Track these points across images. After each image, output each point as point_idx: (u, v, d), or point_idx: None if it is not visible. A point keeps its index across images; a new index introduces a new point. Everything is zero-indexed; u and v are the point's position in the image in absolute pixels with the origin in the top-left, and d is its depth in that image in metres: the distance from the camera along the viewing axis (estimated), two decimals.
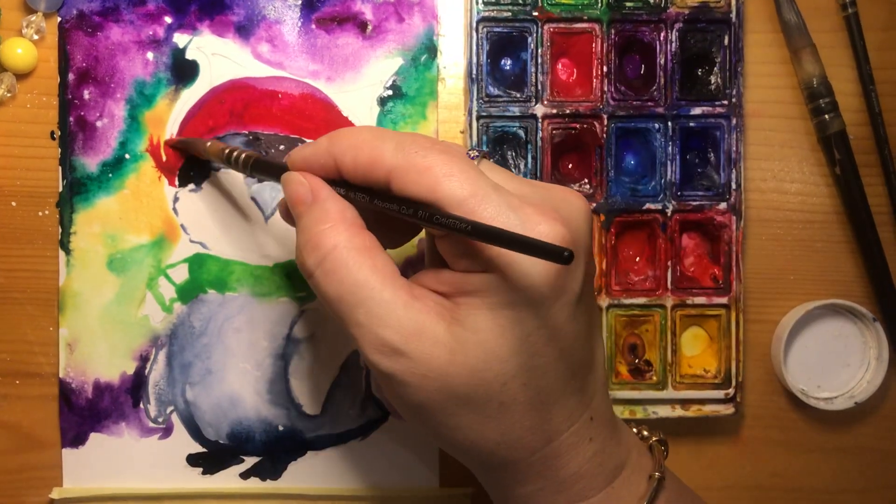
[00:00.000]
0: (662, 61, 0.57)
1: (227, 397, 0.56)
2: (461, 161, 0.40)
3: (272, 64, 0.56)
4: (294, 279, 0.56)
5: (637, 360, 0.58)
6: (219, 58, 0.56)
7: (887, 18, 0.59)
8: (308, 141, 0.55)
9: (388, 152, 0.40)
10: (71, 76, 0.55)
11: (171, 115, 0.55)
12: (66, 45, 0.55)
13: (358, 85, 0.56)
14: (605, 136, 0.56)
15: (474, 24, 0.56)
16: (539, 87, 0.56)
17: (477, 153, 0.42)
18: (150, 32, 0.55)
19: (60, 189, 0.55)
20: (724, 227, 0.57)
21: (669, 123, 0.57)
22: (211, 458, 0.56)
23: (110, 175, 0.55)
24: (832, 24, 0.59)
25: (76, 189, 0.55)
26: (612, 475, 0.44)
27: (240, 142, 0.56)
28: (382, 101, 0.56)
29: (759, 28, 0.58)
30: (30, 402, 0.56)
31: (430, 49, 0.57)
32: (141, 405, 0.56)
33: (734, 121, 0.57)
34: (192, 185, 0.56)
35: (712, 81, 0.58)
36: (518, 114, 0.56)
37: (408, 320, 0.40)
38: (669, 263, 0.57)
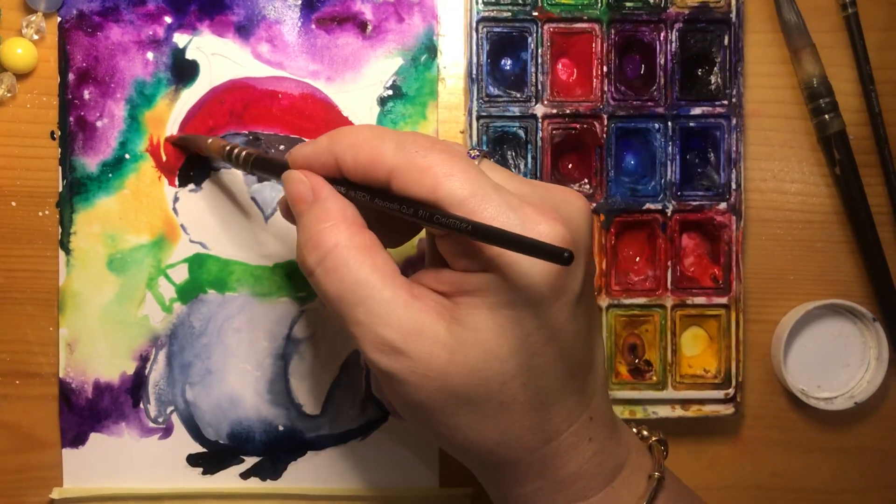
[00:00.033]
0: (662, 61, 0.57)
1: (227, 397, 0.56)
2: (462, 161, 0.40)
3: (272, 64, 0.56)
4: (294, 279, 0.56)
5: (637, 360, 0.58)
6: (219, 58, 0.56)
7: (887, 18, 0.59)
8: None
9: (388, 151, 0.40)
10: (71, 76, 0.55)
11: (171, 115, 0.55)
12: (66, 45, 0.55)
13: (358, 85, 0.56)
14: (605, 136, 0.56)
15: (474, 24, 0.56)
16: (539, 87, 0.56)
17: (478, 153, 0.42)
18: (150, 32, 0.55)
19: (60, 189, 0.55)
20: (724, 227, 0.57)
21: (669, 123, 0.57)
22: (211, 458, 0.56)
23: (110, 175, 0.55)
24: (832, 24, 0.59)
25: (76, 189, 0.55)
26: (611, 475, 0.44)
27: (240, 142, 0.56)
28: (382, 101, 0.56)
29: (759, 28, 0.59)
30: (30, 402, 0.56)
31: (430, 49, 0.57)
32: (141, 405, 0.56)
33: (734, 121, 0.57)
34: (192, 185, 0.56)
35: (712, 81, 0.58)
36: (518, 114, 0.56)
37: (408, 319, 0.40)
38: (669, 263, 0.57)
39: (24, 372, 0.56)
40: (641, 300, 0.57)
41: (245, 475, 0.56)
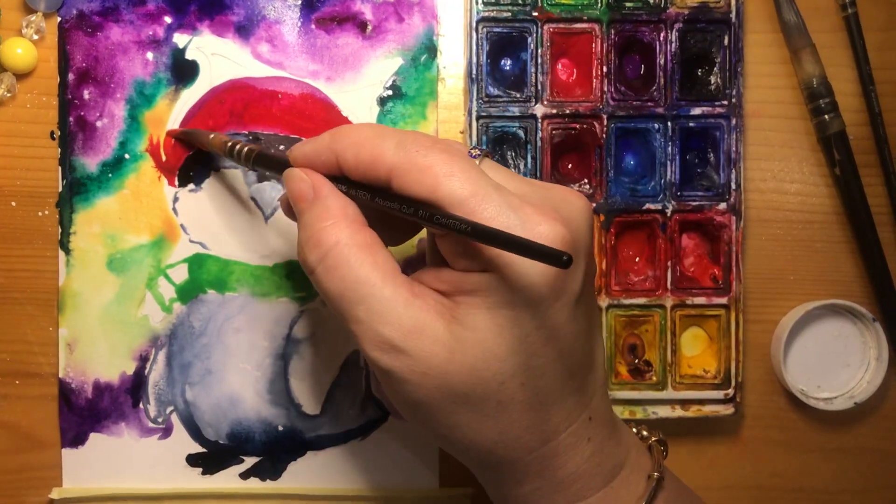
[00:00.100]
0: (662, 61, 0.57)
1: (227, 397, 0.56)
2: (462, 160, 0.40)
3: (272, 64, 0.56)
4: (294, 279, 0.56)
5: (637, 361, 0.58)
6: (219, 58, 0.56)
7: (887, 18, 0.59)
8: None
9: (389, 150, 0.40)
10: (71, 76, 0.55)
11: (171, 115, 0.55)
12: (66, 45, 0.55)
13: (358, 85, 0.56)
14: (604, 136, 0.56)
15: (474, 24, 0.56)
16: (539, 88, 0.56)
17: (478, 152, 0.42)
18: (150, 32, 0.55)
19: (60, 189, 0.55)
20: (724, 228, 0.57)
21: (669, 123, 0.57)
22: (211, 458, 0.56)
23: (110, 175, 0.55)
24: (832, 24, 0.59)
25: (76, 189, 0.55)
26: (610, 475, 0.44)
27: None
28: (382, 101, 0.56)
29: (759, 28, 0.59)
30: (30, 402, 0.56)
31: (430, 49, 0.57)
32: (141, 405, 0.56)
33: (734, 121, 0.57)
34: (191, 185, 0.56)
35: (712, 81, 0.58)
36: (518, 114, 0.56)
37: (408, 318, 0.40)
38: (669, 263, 0.57)
39: (24, 372, 0.56)
40: (641, 300, 0.57)
41: (245, 475, 0.56)
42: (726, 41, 0.57)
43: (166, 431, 0.56)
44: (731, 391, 0.57)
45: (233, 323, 0.56)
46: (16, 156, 0.55)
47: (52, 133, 0.55)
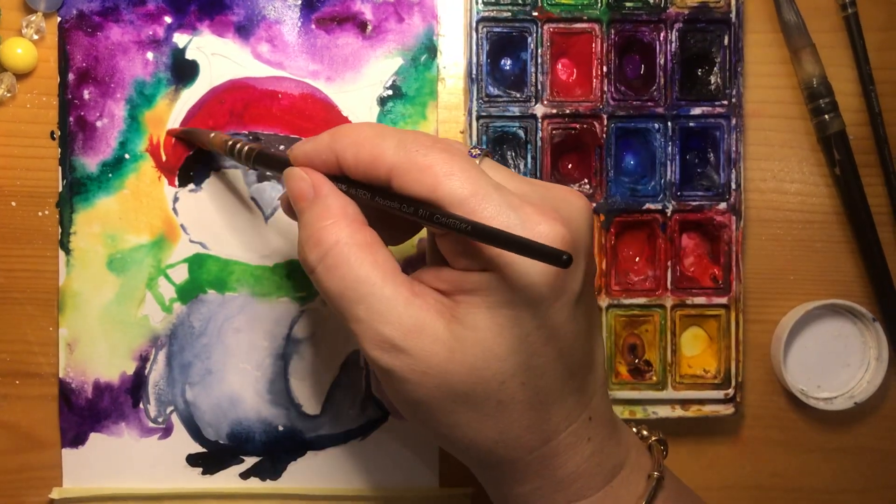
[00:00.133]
0: (662, 61, 0.57)
1: (227, 397, 0.56)
2: (462, 160, 0.40)
3: (272, 64, 0.56)
4: (294, 279, 0.56)
5: (637, 360, 0.58)
6: (219, 58, 0.56)
7: (887, 18, 0.59)
8: None
9: (389, 150, 0.40)
10: (71, 76, 0.55)
11: (171, 114, 0.55)
12: (66, 45, 0.55)
13: (358, 85, 0.56)
14: (604, 136, 0.56)
15: (474, 24, 0.56)
16: (539, 87, 0.56)
17: (479, 151, 0.42)
18: (150, 32, 0.55)
19: (60, 189, 0.55)
20: (724, 227, 0.57)
21: (669, 123, 0.57)
22: (211, 458, 0.56)
23: (110, 175, 0.55)
24: (832, 24, 0.59)
25: (76, 189, 0.55)
26: (610, 475, 0.44)
27: None
28: (382, 101, 0.56)
29: (759, 28, 0.59)
30: (30, 402, 0.56)
31: (430, 49, 0.57)
32: (141, 405, 0.56)
33: (734, 121, 0.57)
34: (191, 185, 0.56)
35: (712, 81, 0.58)
36: (518, 114, 0.56)
37: (408, 317, 0.40)
38: (669, 263, 0.57)
39: (24, 372, 0.56)
40: (641, 300, 0.57)
41: (245, 475, 0.56)
42: (726, 41, 0.57)
43: (166, 431, 0.56)
44: (731, 391, 0.57)
45: (233, 323, 0.56)
46: (16, 156, 0.55)
47: (52, 133, 0.55)
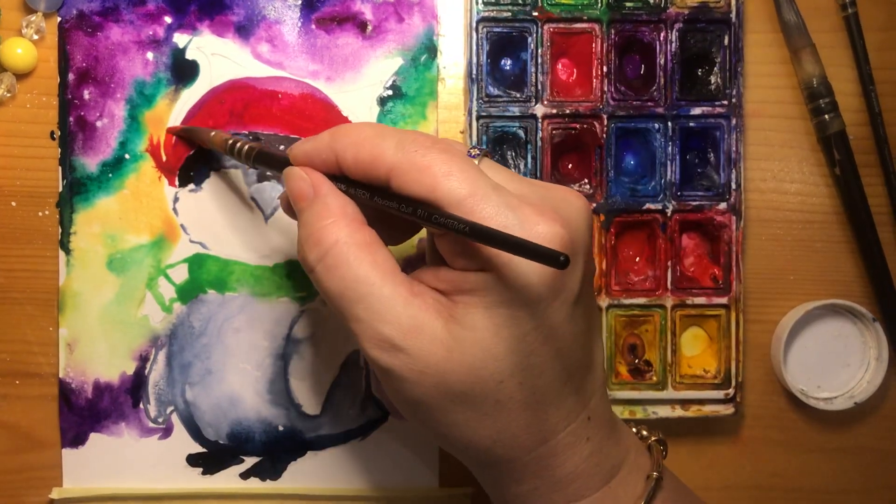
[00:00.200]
0: (662, 61, 0.57)
1: (227, 397, 0.56)
2: (461, 160, 0.40)
3: (272, 64, 0.56)
4: (294, 279, 0.56)
5: (637, 361, 0.58)
6: (219, 58, 0.56)
7: (887, 18, 0.59)
8: None
9: (388, 150, 0.40)
10: (71, 76, 0.55)
11: (171, 114, 0.55)
12: (66, 45, 0.55)
13: (358, 85, 0.56)
14: (604, 136, 0.56)
15: (474, 24, 0.56)
16: (539, 87, 0.56)
17: (478, 152, 0.42)
18: (150, 32, 0.55)
19: (60, 189, 0.55)
20: (724, 227, 0.57)
21: (669, 123, 0.57)
22: (211, 458, 0.56)
23: (110, 175, 0.55)
24: (832, 24, 0.59)
25: (76, 189, 0.55)
26: (609, 475, 0.44)
27: None
28: (382, 101, 0.56)
29: (759, 28, 0.58)
30: (30, 402, 0.56)
31: (430, 49, 0.57)
32: (141, 405, 0.56)
33: (734, 121, 0.57)
34: (192, 185, 0.56)
35: (712, 81, 0.58)
36: (518, 114, 0.56)
37: (407, 317, 0.40)
38: (669, 263, 0.57)
39: (23, 372, 0.56)
40: (641, 300, 0.57)
41: (245, 475, 0.56)
42: (726, 41, 0.57)
43: (166, 431, 0.56)
44: (731, 391, 0.57)
45: (233, 323, 0.56)
46: (16, 156, 0.55)
47: (52, 133, 0.55)
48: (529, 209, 0.39)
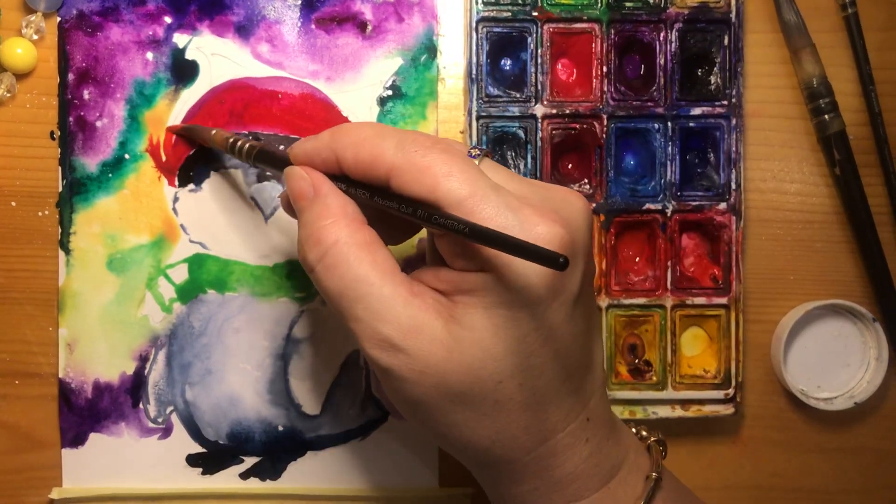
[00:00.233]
0: (662, 61, 0.57)
1: (227, 397, 0.56)
2: (461, 160, 0.40)
3: (272, 64, 0.56)
4: (294, 279, 0.56)
5: (637, 361, 0.58)
6: (219, 58, 0.56)
7: (887, 18, 0.59)
8: None
9: (388, 150, 0.41)
10: (71, 76, 0.55)
11: (171, 115, 0.55)
12: (66, 45, 0.55)
13: (358, 85, 0.56)
14: (604, 136, 0.56)
15: (474, 24, 0.56)
16: (539, 87, 0.56)
17: (478, 152, 0.42)
18: (150, 32, 0.55)
19: (60, 189, 0.55)
20: (724, 228, 0.57)
21: (669, 123, 0.57)
22: (211, 459, 0.56)
23: (110, 175, 0.55)
24: (832, 24, 0.59)
25: (76, 189, 0.55)
26: (608, 475, 0.44)
27: None
28: (382, 101, 0.56)
29: (759, 28, 0.58)
30: (29, 402, 0.56)
31: (430, 49, 0.57)
32: (140, 405, 0.56)
33: (734, 121, 0.57)
34: (191, 185, 0.56)
35: (712, 81, 0.58)
36: (518, 114, 0.56)
37: (406, 317, 0.40)
38: (669, 263, 0.57)
39: (23, 372, 0.56)
40: (641, 300, 0.57)
41: (245, 475, 0.56)
42: (726, 41, 0.57)
43: (166, 431, 0.56)
44: (731, 391, 0.57)
45: (233, 323, 0.56)
46: (16, 156, 0.55)
47: (52, 133, 0.55)
48: (529, 210, 0.39)
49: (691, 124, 0.57)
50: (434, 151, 0.40)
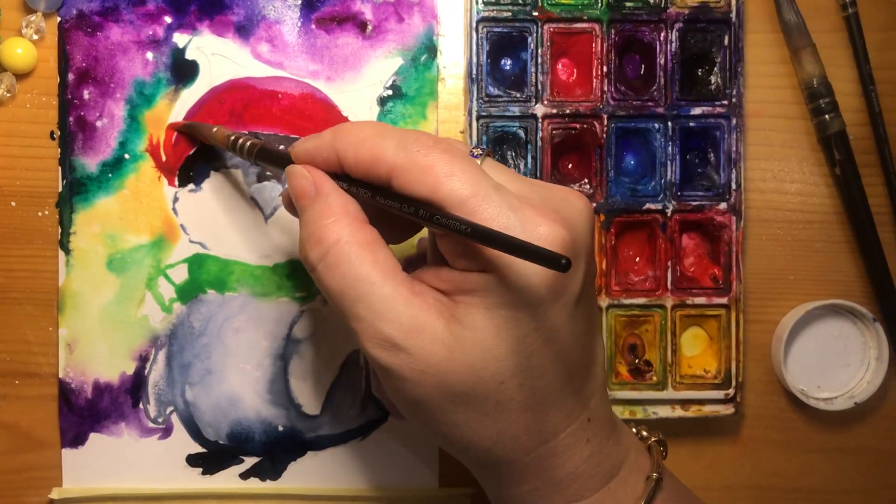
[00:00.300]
0: (662, 61, 0.57)
1: (227, 397, 0.56)
2: (463, 160, 0.40)
3: (272, 64, 0.56)
4: (294, 279, 0.56)
5: (637, 361, 0.58)
6: (218, 58, 0.56)
7: (887, 18, 0.59)
8: None
9: (389, 150, 0.40)
10: (71, 76, 0.55)
11: (171, 114, 0.55)
12: (66, 45, 0.55)
13: (358, 85, 0.56)
14: (605, 136, 0.56)
15: (474, 24, 0.56)
16: (539, 87, 0.56)
17: (480, 152, 0.42)
18: (150, 32, 0.55)
19: (60, 189, 0.55)
20: (724, 227, 0.57)
21: (669, 123, 0.57)
22: (211, 459, 0.56)
23: (110, 175, 0.55)
24: (832, 24, 0.59)
25: (76, 189, 0.55)
26: (608, 476, 0.44)
27: None
28: (382, 101, 0.56)
29: (759, 28, 0.58)
30: (29, 402, 0.56)
31: (430, 49, 0.57)
32: (140, 405, 0.56)
33: (734, 121, 0.57)
34: (191, 185, 0.56)
35: (712, 81, 0.58)
36: (518, 114, 0.56)
37: (408, 316, 0.40)
38: (669, 263, 0.57)
39: (23, 372, 0.56)
40: (641, 300, 0.57)
41: (245, 475, 0.56)
42: (726, 41, 0.57)
43: (166, 431, 0.56)
44: (731, 391, 0.57)
45: (233, 323, 0.56)
46: (16, 156, 0.55)
47: (52, 133, 0.55)
48: (531, 210, 0.39)
49: (691, 124, 0.57)
50: (436, 151, 0.40)
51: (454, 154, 0.40)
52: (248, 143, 0.48)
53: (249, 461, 0.56)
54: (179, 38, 0.55)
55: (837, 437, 0.60)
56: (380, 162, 0.41)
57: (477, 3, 0.55)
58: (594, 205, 0.56)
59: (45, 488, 0.56)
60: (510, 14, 0.56)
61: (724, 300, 0.57)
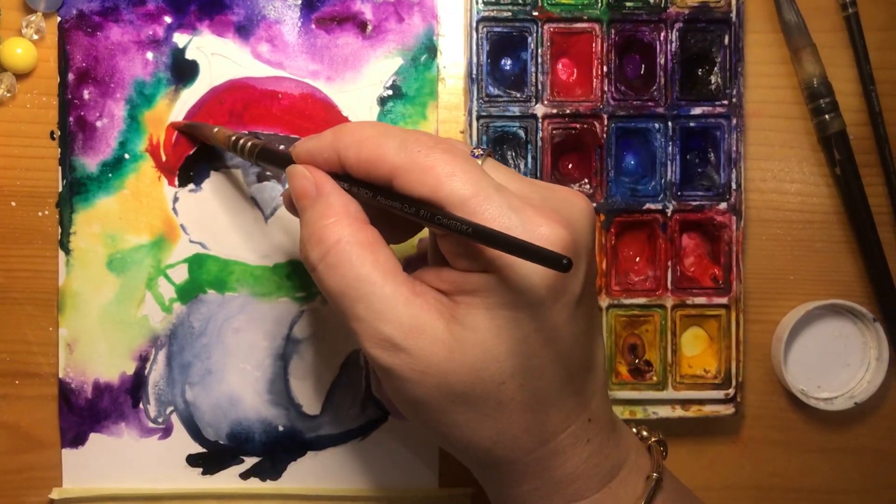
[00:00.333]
0: (662, 61, 0.57)
1: (227, 397, 0.56)
2: (464, 160, 0.40)
3: (272, 64, 0.56)
4: (294, 279, 0.56)
5: (637, 361, 0.58)
6: (219, 58, 0.56)
7: (887, 18, 0.59)
8: None
9: (391, 150, 0.40)
10: (71, 76, 0.55)
11: (171, 114, 0.55)
12: (66, 45, 0.55)
13: (358, 85, 0.56)
14: (605, 136, 0.56)
15: (474, 24, 0.56)
16: (539, 87, 0.56)
17: (481, 152, 0.42)
18: (150, 32, 0.55)
19: (60, 189, 0.55)
20: (724, 227, 0.57)
21: (669, 123, 0.57)
22: (211, 459, 0.56)
23: (110, 175, 0.55)
24: (832, 24, 0.59)
25: (76, 189, 0.55)
26: (609, 476, 0.44)
27: None
28: (382, 101, 0.56)
29: (759, 28, 0.58)
30: (29, 402, 0.56)
31: (430, 49, 0.57)
32: (140, 405, 0.56)
33: (734, 121, 0.57)
34: (191, 186, 0.56)
35: (712, 81, 0.58)
36: (518, 114, 0.56)
37: (408, 317, 0.40)
38: (669, 263, 0.57)
39: (23, 372, 0.56)
40: (641, 300, 0.57)
41: (245, 475, 0.56)
42: (726, 41, 0.57)
43: (166, 431, 0.56)
44: (731, 391, 0.57)
45: (233, 323, 0.56)
46: (16, 156, 0.55)
47: (52, 133, 0.55)
48: (532, 211, 0.39)
49: (691, 124, 0.57)
50: (437, 151, 0.40)
51: (455, 154, 0.40)
52: (249, 144, 0.48)
53: (249, 461, 0.56)
54: (179, 38, 0.55)
55: (837, 437, 0.60)
56: (381, 162, 0.41)
57: (477, 3, 0.55)
58: (594, 205, 0.56)
59: (45, 488, 0.56)
60: (510, 14, 0.56)
61: (724, 300, 0.57)
